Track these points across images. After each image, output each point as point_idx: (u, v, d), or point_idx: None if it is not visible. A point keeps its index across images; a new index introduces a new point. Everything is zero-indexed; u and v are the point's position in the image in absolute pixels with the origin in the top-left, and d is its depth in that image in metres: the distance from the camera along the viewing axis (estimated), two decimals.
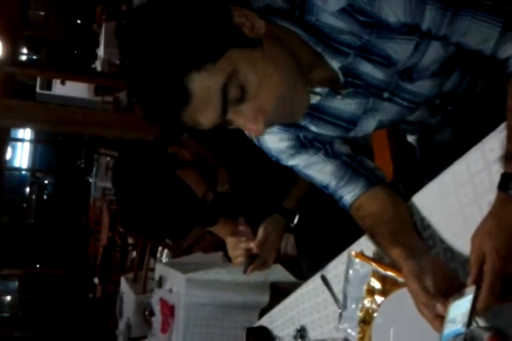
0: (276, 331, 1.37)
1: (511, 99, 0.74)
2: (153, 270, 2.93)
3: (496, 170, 0.75)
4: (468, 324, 0.68)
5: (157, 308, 2.27)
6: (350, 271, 1.04)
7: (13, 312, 10.41)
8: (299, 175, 1.07)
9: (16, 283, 11.36)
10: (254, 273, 1.35)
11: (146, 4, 0.74)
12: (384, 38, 0.80)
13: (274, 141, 1.02)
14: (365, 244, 1.06)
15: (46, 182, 13.45)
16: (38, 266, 11.23)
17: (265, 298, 1.99)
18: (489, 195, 0.76)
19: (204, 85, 0.70)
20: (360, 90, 0.88)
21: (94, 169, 10.60)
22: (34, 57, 13.07)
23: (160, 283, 2.42)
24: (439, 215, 0.89)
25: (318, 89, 0.89)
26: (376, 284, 0.97)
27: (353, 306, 1.03)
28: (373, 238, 0.95)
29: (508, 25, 0.75)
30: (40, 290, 10.76)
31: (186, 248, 3.54)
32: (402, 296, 0.86)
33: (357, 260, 1.03)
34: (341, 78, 0.84)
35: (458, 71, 0.93)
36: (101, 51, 9.42)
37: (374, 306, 0.97)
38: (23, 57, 12.42)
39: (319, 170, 1.03)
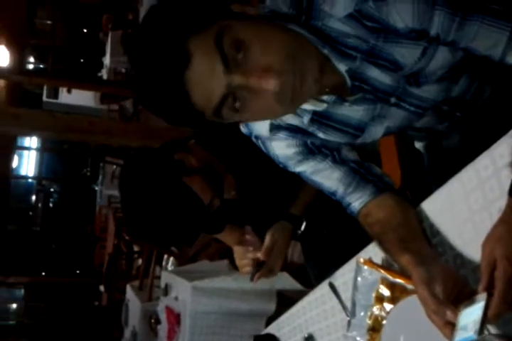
0: (284, 339, 1.36)
1: None
2: (158, 278, 2.92)
3: (506, 176, 0.75)
4: (480, 331, 0.67)
5: (163, 316, 2.26)
6: (359, 278, 1.04)
7: (19, 319, 10.41)
8: (307, 181, 1.07)
9: (22, 291, 11.37)
10: (260, 281, 1.34)
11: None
12: (391, 42, 0.80)
13: (282, 148, 1.02)
14: (373, 251, 1.05)
15: (52, 190, 13.50)
16: (43, 273, 11.24)
17: (271, 306, 1.98)
18: (499, 201, 0.75)
19: (201, 43, 0.71)
20: (367, 95, 0.88)
21: (100, 177, 10.63)
22: (41, 65, 13.17)
23: (166, 290, 2.41)
24: (448, 222, 0.88)
25: (325, 97, 0.88)
26: (385, 291, 0.96)
27: (362, 314, 1.02)
28: (382, 245, 0.95)
29: None
30: (46, 298, 10.76)
31: (192, 256, 3.53)
32: (412, 303, 0.85)
33: (365, 267, 1.02)
34: (348, 82, 0.84)
35: (466, 76, 0.92)
36: (107, 60, 9.50)
37: (383, 313, 0.96)
38: (30, 66, 12.52)
39: (327, 176, 1.03)
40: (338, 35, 0.80)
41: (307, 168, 1.03)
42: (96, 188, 11.53)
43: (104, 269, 5.17)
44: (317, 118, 0.93)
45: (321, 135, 0.97)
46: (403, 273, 0.92)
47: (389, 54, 0.81)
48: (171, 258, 3.80)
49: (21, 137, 11.82)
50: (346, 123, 0.94)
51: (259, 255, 1.28)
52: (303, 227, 1.39)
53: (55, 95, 11.52)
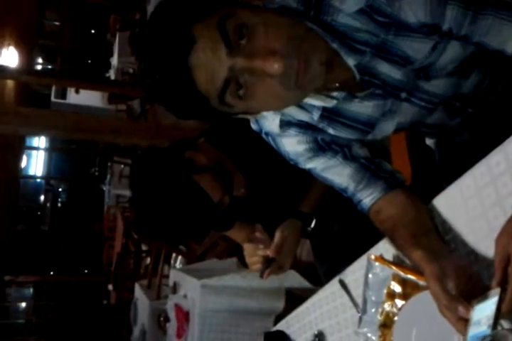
0: (294, 336, 1.36)
1: None
2: (167, 276, 2.93)
3: None
4: (494, 326, 0.67)
5: (172, 314, 2.27)
6: (370, 275, 1.03)
7: (28, 318, 10.46)
8: (317, 178, 1.07)
9: (31, 290, 11.44)
10: (269, 279, 1.34)
11: None
12: (402, 36, 0.80)
13: (292, 144, 1.02)
14: (384, 248, 1.05)
15: (60, 189, 13.58)
16: (52, 273, 11.31)
17: (280, 304, 1.98)
18: None
19: (205, 29, 0.71)
20: (377, 91, 0.88)
21: (108, 177, 10.67)
22: (49, 66, 13.25)
23: (174, 289, 2.42)
24: (460, 218, 0.88)
25: (334, 93, 0.88)
26: (397, 288, 0.96)
27: (373, 310, 1.02)
28: (394, 241, 0.94)
29: None
30: (54, 297, 10.82)
31: (200, 254, 3.54)
32: (424, 299, 0.85)
33: (377, 264, 1.02)
34: (357, 76, 0.84)
35: (477, 72, 0.92)
36: (115, 60, 9.54)
37: (394, 310, 0.96)
38: (38, 67, 12.60)
39: (337, 173, 1.03)
40: (347, 30, 0.80)
41: (318, 165, 1.03)
42: (104, 188, 11.58)
43: (112, 268, 5.19)
44: (327, 114, 0.93)
45: (331, 131, 0.97)
46: (415, 270, 0.92)
47: (399, 48, 0.81)
48: (180, 257, 3.81)
49: (30, 137, 11.90)
50: (356, 119, 0.94)
51: (269, 252, 1.28)
52: (313, 224, 1.39)
53: (63, 96, 11.59)
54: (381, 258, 1.02)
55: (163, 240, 2.88)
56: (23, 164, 12.03)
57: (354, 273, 1.15)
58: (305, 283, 1.99)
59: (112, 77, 9.73)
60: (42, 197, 13.02)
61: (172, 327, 2.26)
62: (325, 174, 1.04)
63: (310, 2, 0.79)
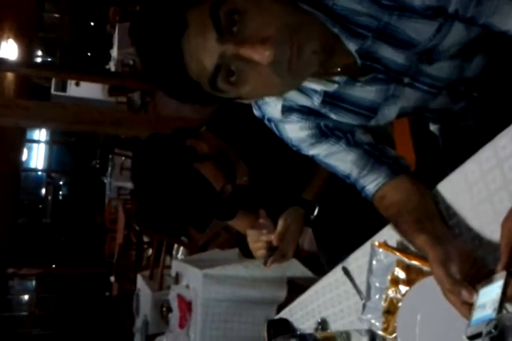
0: (297, 324, 1.36)
1: None
2: (169, 267, 2.94)
3: None
4: (499, 310, 0.67)
5: (174, 304, 2.27)
6: (374, 262, 1.03)
7: (31, 310, 10.53)
8: (321, 164, 1.06)
9: (34, 283, 11.50)
10: (271, 269, 1.34)
11: None
12: (405, 19, 0.78)
13: (295, 130, 1.01)
14: (387, 234, 1.04)
15: (62, 182, 13.60)
16: (54, 265, 11.35)
17: (282, 294, 1.99)
18: None
19: (197, 14, 0.71)
20: (379, 76, 0.87)
21: (109, 169, 10.68)
22: (49, 59, 13.21)
23: (177, 279, 2.43)
24: (465, 203, 0.87)
25: (336, 78, 0.87)
26: (401, 274, 0.96)
27: (377, 296, 1.01)
28: (398, 227, 0.94)
29: None
30: (57, 289, 10.88)
31: (202, 245, 3.55)
32: (428, 285, 0.85)
33: (380, 250, 1.02)
34: (358, 61, 0.83)
35: (482, 56, 0.91)
36: (114, 52, 9.49)
37: (398, 296, 0.96)
38: (38, 60, 12.56)
39: (340, 159, 1.02)
40: (348, 14, 0.79)
41: (321, 151, 1.02)
42: (105, 180, 11.59)
43: (114, 260, 5.20)
44: (329, 99, 0.92)
45: (333, 117, 0.96)
46: (419, 255, 0.91)
47: (402, 31, 0.80)
48: (181, 248, 3.82)
49: (30, 130, 11.89)
50: (359, 104, 0.93)
51: (273, 237, 1.28)
52: (316, 212, 1.38)
53: (64, 88, 11.57)
54: (385, 245, 1.02)
55: (165, 230, 2.89)
56: (24, 157, 12.04)
57: (357, 261, 1.15)
58: (307, 273, 1.99)
59: (112, 69, 9.70)
60: (43, 190, 13.04)
61: (175, 317, 2.27)
62: (328, 160, 1.03)
63: None
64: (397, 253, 0.97)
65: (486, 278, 0.72)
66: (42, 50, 12.90)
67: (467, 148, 0.91)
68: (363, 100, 0.92)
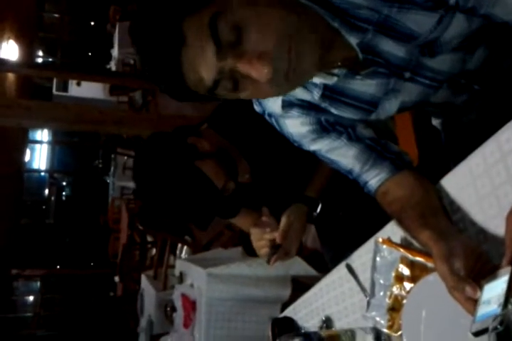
0: (301, 322, 1.35)
1: None
2: (173, 267, 2.93)
3: None
4: (505, 305, 0.66)
5: (179, 304, 2.27)
6: (378, 259, 1.02)
7: (36, 311, 10.56)
8: (322, 160, 1.05)
9: (38, 284, 11.53)
10: (275, 267, 1.33)
11: None
12: (405, 12, 0.77)
13: (296, 126, 1.00)
14: (391, 231, 1.03)
15: (64, 183, 13.61)
16: (58, 266, 11.38)
17: (286, 292, 1.98)
18: None
19: (195, 25, 0.70)
20: (380, 69, 0.86)
21: (112, 169, 10.68)
22: (49, 59, 13.22)
23: (181, 278, 2.42)
24: (470, 197, 0.86)
25: (335, 71, 0.86)
26: (405, 270, 0.95)
27: (381, 294, 1.00)
28: (401, 223, 0.93)
29: None
30: (61, 290, 10.90)
31: (205, 244, 3.55)
32: (432, 281, 0.84)
33: (384, 247, 1.01)
34: (360, 55, 0.82)
35: (483, 48, 0.89)
36: (115, 51, 9.50)
37: (403, 293, 0.95)
38: (39, 60, 12.57)
39: (342, 154, 1.01)
40: (348, 7, 0.78)
41: (322, 146, 1.01)
42: (108, 180, 11.60)
43: (118, 260, 5.21)
44: (329, 93, 0.91)
45: (333, 111, 0.95)
46: (423, 252, 0.90)
47: (403, 24, 0.79)
48: (185, 247, 3.82)
49: (33, 131, 11.91)
50: (359, 98, 0.92)
51: (276, 235, 1.27)
52: (319, 209, 1.37)
53: (65, 88, 11.58)
54: (389, 241, 1.00)
55: (169, 229, 2.88)
56: (27, 158, 12.05)
57: (361, 258, 1.14)
58: (311, 271, 1.98)
59: (113, 69, 9.70)
60: (46, 191, 13.05)
61: (179, 316, 2.26)
62: (330, 156, 1.02)
63: None
64: (401, 250, 0.96)
65: (491, 274, 0.71)
66: (43, 51, 12.91)
67: (470, 142, 0.89)
68: (363, 94, 0.91)
